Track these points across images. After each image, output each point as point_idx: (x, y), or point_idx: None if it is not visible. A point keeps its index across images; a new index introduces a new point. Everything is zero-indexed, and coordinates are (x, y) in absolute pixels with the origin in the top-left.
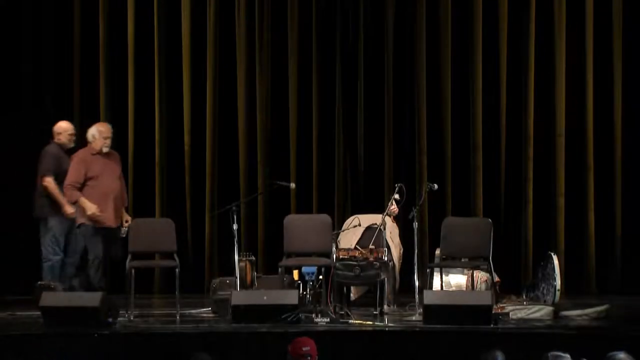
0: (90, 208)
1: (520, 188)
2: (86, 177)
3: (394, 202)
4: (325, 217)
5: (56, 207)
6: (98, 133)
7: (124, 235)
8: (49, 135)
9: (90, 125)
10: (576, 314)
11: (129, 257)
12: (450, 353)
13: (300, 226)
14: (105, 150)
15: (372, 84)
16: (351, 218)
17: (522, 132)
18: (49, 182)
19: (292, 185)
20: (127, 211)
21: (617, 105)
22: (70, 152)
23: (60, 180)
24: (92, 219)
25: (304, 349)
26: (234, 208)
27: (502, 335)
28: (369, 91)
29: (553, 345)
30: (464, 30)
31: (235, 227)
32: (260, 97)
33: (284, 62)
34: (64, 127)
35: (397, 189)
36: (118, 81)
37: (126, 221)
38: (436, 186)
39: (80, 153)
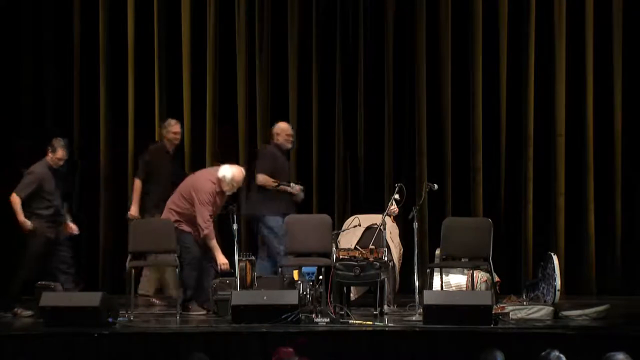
0: (223, 260)
1: (520, 188)
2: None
3: (394, 202)
4: (325, 217)
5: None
6: (230, 179)
7: None
8: (49, 135)
9: (92, 130)
10: (576, 314)
11: (129, 257)
12: (450, 353)
13: (300, 226)
14: (227, 193)
15: (372, 84)
16: (351, 218)
17: (522, 132)
18: (266, 179)
19: (292, 185)
20: None
21: (617, 105)
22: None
23: (276, 176)
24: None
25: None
26: (233, 208)
27: (502, 335)
28: (369, 91)
29: (553, 346)
30: (464, 30)
31: (235, 227)
32: (260, 97)
33: (284, 62)
34: (282, 128)
35: (397, 189)
36: (118, 81)
37: None
38: (436, 186)
39: (211, 188)
